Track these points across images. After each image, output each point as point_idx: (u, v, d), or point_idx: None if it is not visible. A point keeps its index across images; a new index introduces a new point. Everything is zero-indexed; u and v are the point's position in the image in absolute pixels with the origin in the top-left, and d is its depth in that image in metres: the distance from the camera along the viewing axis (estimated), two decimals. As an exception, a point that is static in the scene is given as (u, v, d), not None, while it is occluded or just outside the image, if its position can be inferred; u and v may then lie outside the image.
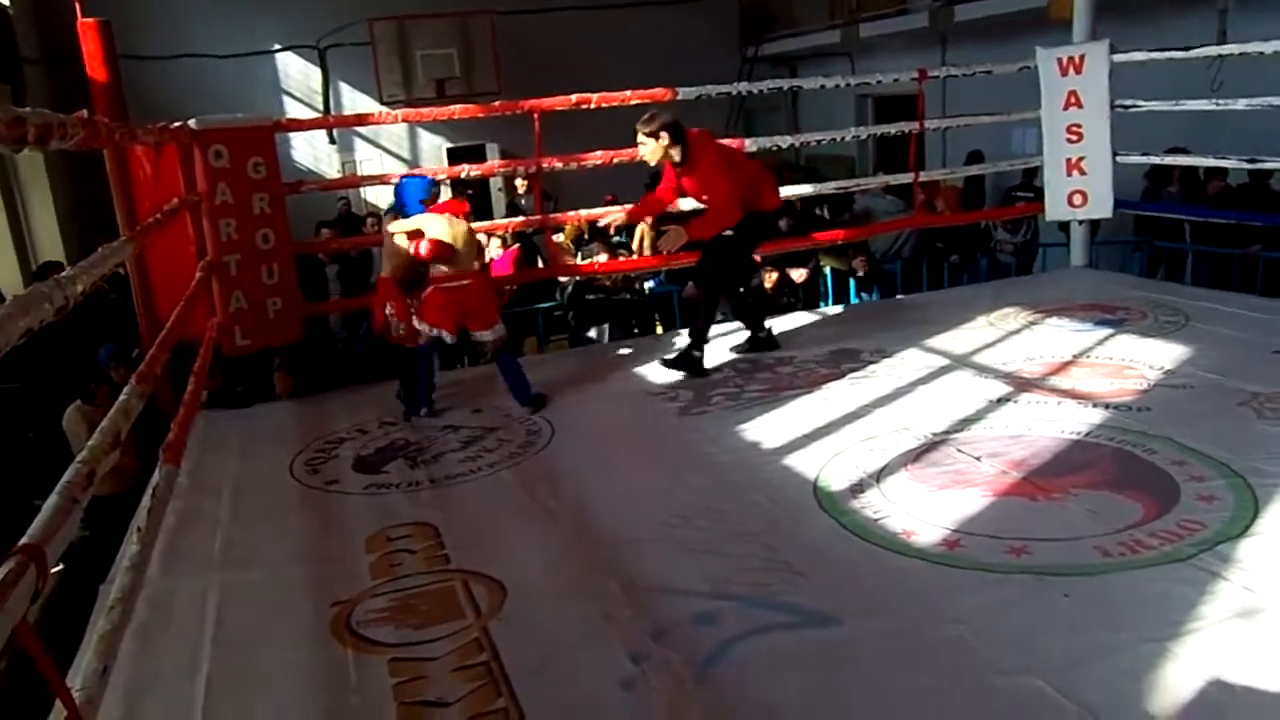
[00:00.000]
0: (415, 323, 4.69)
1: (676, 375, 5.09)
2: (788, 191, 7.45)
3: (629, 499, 3.69)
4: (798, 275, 7.41)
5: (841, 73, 10.85)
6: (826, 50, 13.24)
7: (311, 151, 12.97)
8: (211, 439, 4.72)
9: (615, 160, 6.05)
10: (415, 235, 4.60)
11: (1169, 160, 6.89)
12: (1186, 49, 6.14)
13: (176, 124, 4.91)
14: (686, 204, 5.67)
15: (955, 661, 2.51)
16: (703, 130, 5.13)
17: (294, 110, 12.79)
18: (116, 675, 2.50)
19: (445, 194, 5.25)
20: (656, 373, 5.23)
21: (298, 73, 13.21)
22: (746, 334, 5.52)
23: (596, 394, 5.04)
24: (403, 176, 5.16)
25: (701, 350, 5.18)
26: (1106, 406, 4.18)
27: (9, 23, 10.49)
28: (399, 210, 4.89)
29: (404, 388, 4.86)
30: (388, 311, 4.72)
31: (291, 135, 11.94)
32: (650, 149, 5.01)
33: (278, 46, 13.02)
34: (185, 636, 2.93)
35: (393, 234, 4.70)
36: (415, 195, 4.81)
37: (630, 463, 4.08)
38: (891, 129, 6.97)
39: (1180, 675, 2.36)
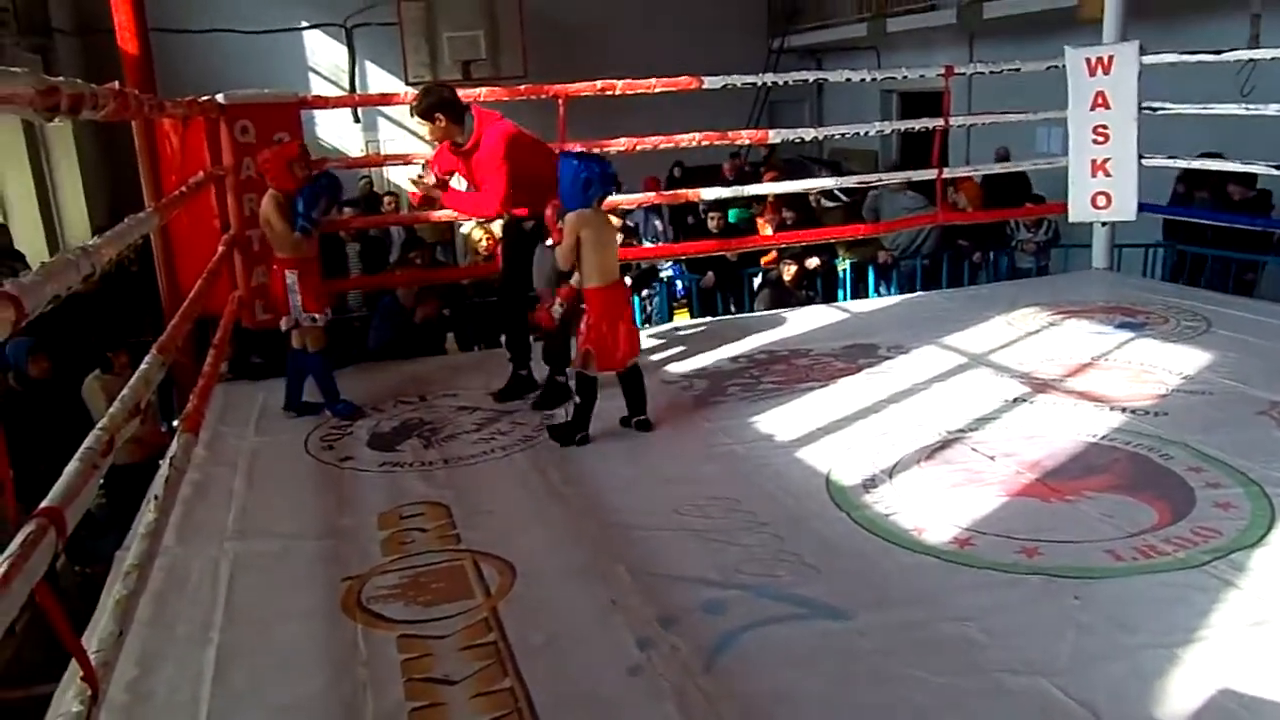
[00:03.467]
0: None
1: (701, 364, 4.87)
2: (812, 184, 7.49)
3: (641, 485, 3.70)
4: (812, 263, 7.38)
5: (868, 67, 10.76)
6: (853, 44, 13.19)
7: (336, 130, 12.98)
8: (229, 411, 4.75)
9: (638, 147, 6.04)
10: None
11: (1195, 164, 6.81)
12: (1217, 52, 6.08)
13: (204, 98, 4.93)
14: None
15: (963, 659, 2.51)
16: (491, 112, 4.55)
17: (320, 88, 12.79)
18: (130, 640, 2.53)
19: None
20: (674, 362, 5.24)
21: (325, 51, 13.25)
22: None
23: (611, 380, 5.03)
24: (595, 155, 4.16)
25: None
26: (1124, 410, 4.16)
27: (42, -6, 10.56)
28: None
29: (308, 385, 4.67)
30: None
31: (316, 113, 11.92)
32: (429, 132, 4.44)
33: (305, 24, 13.06)
34: (198, 605, 2.96)
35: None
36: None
37: (644, 450, 4.08)
38: (916, 125, 6.95)
39: (1187, 681, 2.36)
